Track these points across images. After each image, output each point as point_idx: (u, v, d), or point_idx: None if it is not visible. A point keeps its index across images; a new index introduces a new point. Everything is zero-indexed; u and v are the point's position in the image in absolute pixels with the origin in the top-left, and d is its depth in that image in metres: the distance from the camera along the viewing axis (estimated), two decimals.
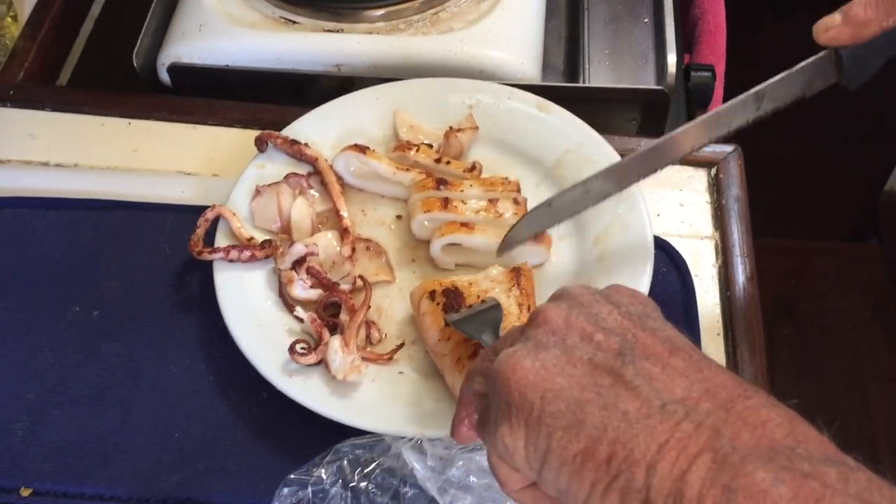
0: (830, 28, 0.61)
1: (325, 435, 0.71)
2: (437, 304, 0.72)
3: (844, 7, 0.60)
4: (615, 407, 0.39)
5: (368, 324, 0.76)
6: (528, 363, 0.42)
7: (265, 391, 0.74)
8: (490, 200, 0.81)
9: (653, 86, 0.94)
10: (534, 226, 0.78)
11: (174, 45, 0.96)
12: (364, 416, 0.70)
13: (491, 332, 0.65)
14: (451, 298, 0.72)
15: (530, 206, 0.80)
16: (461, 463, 0.64)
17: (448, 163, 0.84)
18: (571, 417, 0.39)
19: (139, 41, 0.97)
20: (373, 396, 0.72)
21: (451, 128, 0.86)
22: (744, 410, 0.38)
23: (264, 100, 0.96)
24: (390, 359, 0.75)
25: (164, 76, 0.97)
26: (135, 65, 0.97)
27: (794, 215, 2.25)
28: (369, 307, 0.76)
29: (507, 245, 0.78)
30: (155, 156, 0.91)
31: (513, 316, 0.72)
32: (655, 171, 0.75)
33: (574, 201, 0.77)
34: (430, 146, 0.86)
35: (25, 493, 0.70)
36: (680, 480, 0.36)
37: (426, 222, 0.81)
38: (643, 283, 0.76)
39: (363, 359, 0.73)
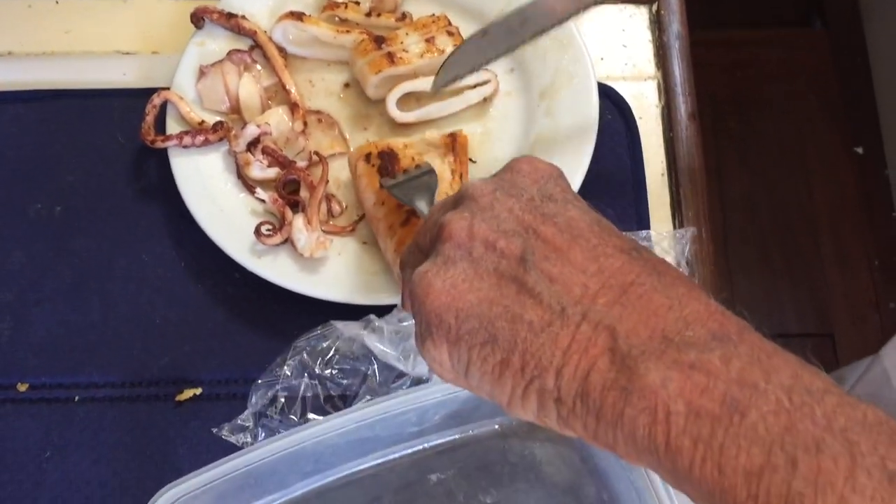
0: None
1: (298, 306, 0.75)
2: (373, 165, 0.75)
3: None
4: (521, 318, 0.42)
5: (328, 197, 0.79)
6: (438, 284, 0.44)
7: (237, 272, 0.77)
8: (427, 41, 0.82)
9: None
10: (471, 58, 0.76)
11: None
12: (333, 288, 0.74)
13: (426, 199, 0.68)
14: (386, 160, 0.75)
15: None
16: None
17: (379, 15, 0.85)
18: (485, 334, 0.42)
19: None
20: (340, 269, 0.76)
21: None
22: (637, 300, 0.41)
23: None
24: (352, 230, 0.78)
25: None
26: None
27: (739, 4, 2.24)
28: (327, 182, 0.78)
29: (442, 79, 0.76)
30: (89, 36, 0.89)
31: (445, 182, 0.75)
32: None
33: (511, 31, 0.75)
34: (357, 3, 0.85)
35: (22, 388, 0.75)
36: (584, 381, 0.40)
37: (378, 83, 0.82)
38: (590, 136, 0.79)
39: (326, 232, 0.76)
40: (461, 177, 0.76)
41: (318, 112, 0.82)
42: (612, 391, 0.39)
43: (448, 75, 0.76)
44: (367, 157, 0.76)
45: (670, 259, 0.73)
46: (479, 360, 0.43)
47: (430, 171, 0.72)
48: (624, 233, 0.47)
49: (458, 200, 0.49)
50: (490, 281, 0.44)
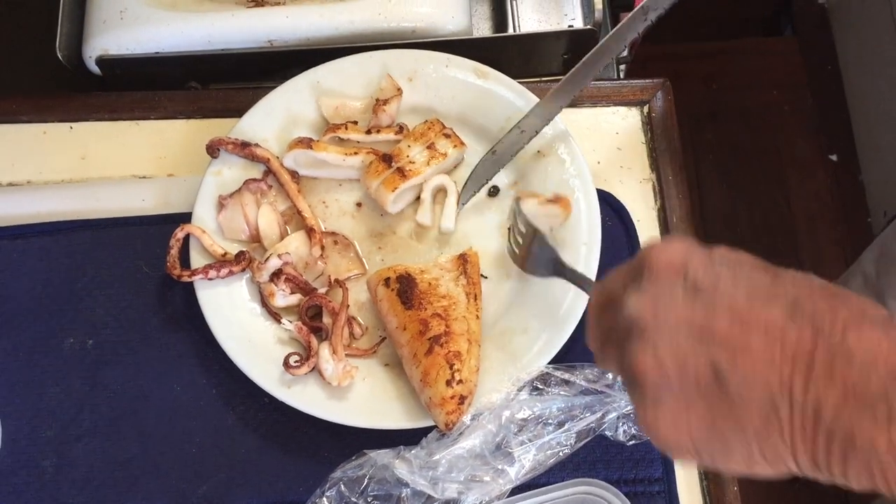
0: None
1: (328, 430, 0.79)
2: (392, 290, 0.80)
3: None
4: (745, 430, 0.48)
5: (350, 320, 0.83)
6: (662, 427, 0.51)
7: (266, 397, 0.81)
8: (429, 147, 0.87)
9: (581, 26, 0.96)
10: (483, 174, 0.88)
11: (98, 37, 0.93)
12: (362, 415, 0.79)
13: (554, 267, 0.76)
14: (405, 284, 0.80)
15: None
16: (444, 461, 0.73)
17: (378, 131, 0.88)
18: (722, 449, 0.50)
19: (59, 33, 0.95)
20: (366, 394, 0.80)
21: (377, 101, 0.89)
22: (824, 370, 0.47)
23: (203, 82, 0.96)
24: (374, 352, 0.82)
25: (94, 68, 0.95)
26: (60, 58, 0.95)
27: (711, 16, 2.27)
28: (348, 306, 0.82)
29: (465, 198, 0.88)
30: (105, 160, 0.92)
31: (461, 305, 0.80)
32: (571, 97, 0.85)
33: (513, 143, 0.87)
34: (356, 122, 0.89)
35: None
36: (813, 458, 0.48)
37: (395, 198, 0.86)
38: (594, 247, 0.83)
39: (349, 356, 0.81)
40: (475, 298, 0.81)
41: (333, 234, 0.86)
42: (836, 464, 0.47)
43: (469, 194, 0.88)
44: (387, 281, 0.80)
45: None
46: (725, 466, 0.51)
47: (537, 235, 0.77)
48: None
49: (627, 328, 0.52)
50: (702, 404, 0.49)
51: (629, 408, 0.74)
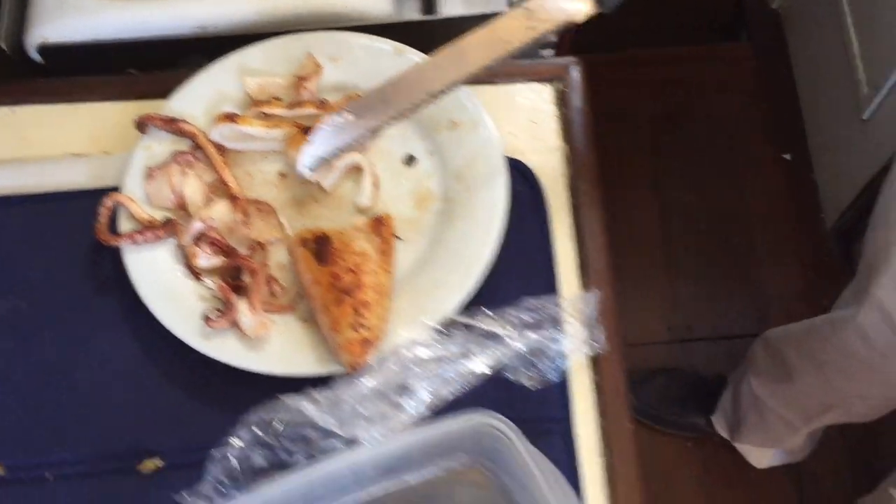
0: None
1: (249, 379, 0.84)
2: (309, 249, 0.86)
3: None
4: None
5: (270, 280, 0.88)
6: None
7: (192, 354, 0.85)
8: None
9: (507, 9, 1.01)
10: (335, 138, 0.86)
11: (39, 26, 0.99)
12: (277, 364, 0.83)
13: None
14: (321, 245, 0.85)
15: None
16: (349, 398, 0.78)
17: (301, 104, 0.93)
18: None
19: (2, 22, 1.00)
20: (282, 346, 0.85)
21: (297, 78, 0.94)
22: None
23: (140, 67, 1.01)
24: (291, 308, 0.87)
25: (36, 56, 1.01)
26: (3, 47, 1.00)
27: (668, 22, 2.34)
28: (268, 266, 0.87)
29: (307, 162, 0.87)
30: (44, 141, 0.97)
31: (373, 261, 0.85)
32: (470, 72, 0.82)
33: (372, 109, 0.84)
34: (279, 98, 0.94)
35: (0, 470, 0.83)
36: None
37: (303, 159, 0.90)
38: (500, 209, 0.88)
39: (268, 311, 0.86)
40: (386, 254, 0.86)
41: (257, 201, 0.91)
42: None
43: (311, 159, 0.87)
44: (304, 241, 0.86)
45: (577, 322, 0.82)
46: None
47: None
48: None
49: None
50: None
51: (525, 350, 0.79)
